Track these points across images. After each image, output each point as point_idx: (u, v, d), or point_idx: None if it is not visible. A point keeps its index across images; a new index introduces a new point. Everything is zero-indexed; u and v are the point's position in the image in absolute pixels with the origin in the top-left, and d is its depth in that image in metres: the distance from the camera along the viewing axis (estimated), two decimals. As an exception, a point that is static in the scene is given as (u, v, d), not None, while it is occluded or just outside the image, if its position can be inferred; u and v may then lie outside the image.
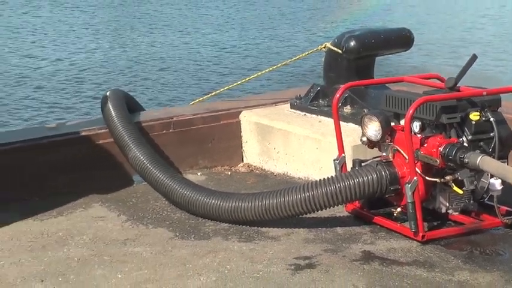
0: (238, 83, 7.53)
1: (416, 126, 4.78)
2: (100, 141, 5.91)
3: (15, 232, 5.08)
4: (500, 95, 4.94)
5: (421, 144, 4.73)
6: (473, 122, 4.73)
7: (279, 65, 7.23)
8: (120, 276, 4.42)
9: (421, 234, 4.70)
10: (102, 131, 5.92)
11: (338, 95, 5.27)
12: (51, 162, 5.72)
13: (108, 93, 6.13)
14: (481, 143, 4.77)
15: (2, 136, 5.98)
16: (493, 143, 4.77)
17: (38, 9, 31.69)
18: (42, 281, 4.39)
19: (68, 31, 25.95)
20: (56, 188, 5.66)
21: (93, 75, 18.57)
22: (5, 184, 5.56)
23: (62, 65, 20.13)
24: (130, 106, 6.17)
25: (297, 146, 6.02)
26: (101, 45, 23.33)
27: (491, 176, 4.67)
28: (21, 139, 5.84)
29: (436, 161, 4.63)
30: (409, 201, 4.66)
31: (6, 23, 27.60)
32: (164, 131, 6.16)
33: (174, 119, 6.27)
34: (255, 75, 7.38)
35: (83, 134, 5.93)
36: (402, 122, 4.79)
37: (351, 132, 5.38)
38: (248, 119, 6.40)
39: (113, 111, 5.88)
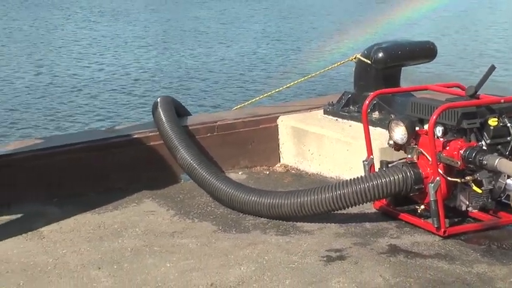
0: (276, 90, 7.53)
1: (439, 130, 4.76)
2: (151, 143, 5.93)
3: (76, 224, 5.12)
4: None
5: (444, 147, 4.71)
6: (492, 127, 4.69)
7: (313, 74, 7.24)
8: (168, 265, 4.44)
9: (442, 229, 4.67)
10: (153, 133, 5.94)
11: (367, 102, 5.25)
12: (108, 161, 5.76)
13: (158, 100, 6.15)
14: (499, 147, 4.74)
15: (66, 138, 6.04)
16: (509, 147, 4.75)
17: (96, 24, 31.88)
18: (99, 268, 4.42)
19: (122, 44, 26.07)
20: (112, 184, 5.69)
21: (145, 84, 18.64)
22: (69, 180, 5.61)
23: (117, 75, 20.23)
24: (178, 111, 6.19)
25: (329, 148, 6.01)
26: (151, 57, 23.42)
27: (508, 177, 4.61)
28: (83, 140, 5.89)
29: (457, 162, 4.61)
30: (432, 199, 4.64)
31: (70, 36, 27.79)
32: (209, 134, 6.17)
33: (218, 123, 6.27)
34: (292, 83, 7.36)
35: (136, 136, 5.96)
36: (426, 127, 4.75)
37: (379, 136, 5.35)
38: (285, 123, 6.40)
39: (162, 116, 5.91)
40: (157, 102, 6.10)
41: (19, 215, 5.25)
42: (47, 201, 5.47)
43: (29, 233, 4.96)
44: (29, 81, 19.33)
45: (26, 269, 4.42)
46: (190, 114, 6.52)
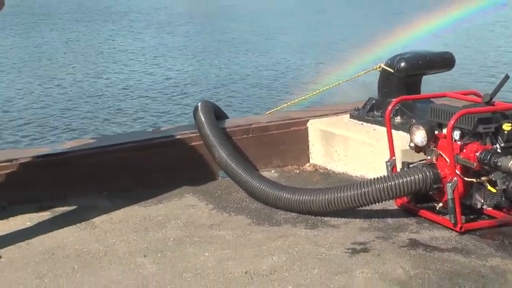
0: (307, 96, 7.52)
1: (456, 134, 4.72)
2: (192, 143, 5.95)
3: (124, 216, 5.16)
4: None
5: (461, 150, 4.67)
6: (506, 132, 4.65)
7: (341, 81, 7.22)
8: (207, 254, 4.46)
9: (459, 225, 4.64)
10: (194, 135, 5.96)
11: (390, 108, 5.24)
12: (153, 160, 5.79)
13: (199, 104, 6.17)
14: (512, 149, 4.70)
15: (116, 138, 6.08)
16: (522, 149, 4.70)
17: (143, 35, 32.02)
18: (145, 256, 4.45)
19: (166, 53, 26.20)
20: (156, 180, 5.72)
21: (186, 89, 18.73)
22: (118, 176, 5.66)
23: (161, 81, 20.34)
24: (217, 114, 6.20)
25: (355, 149, 5.99)
26: (192, 65, 23.50)
27: (521, 177, 4.60)
28: (131, 140, 5.93)
29: (473, 164, 4.57)
30: (449, 197, 4.61)
31: (119, 46, 27.96)
32: (244, 136, 6.18)
33: (253, 125, 6.28)
34: (321, 90, 7.35)
35: (179, 137, 5.99)
36: (444, 131, 4.72)
37: (401, 138, 5.33)
38: (314, 126, 6.39)
39: (203, 119, 5.92)
40: (198, 106, 6.12)
41: (74, 207, 5.30)
42: (99, 195, 5.52)
43: (83, 223, 5.01)
44: (83, 87, 19.49)
45: (80, 255, 4.47)
46: (228, 118, 6.52)
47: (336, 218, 4.99)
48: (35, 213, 5.16)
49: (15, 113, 16.31)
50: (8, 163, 5.32)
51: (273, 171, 6.19)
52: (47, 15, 40.22)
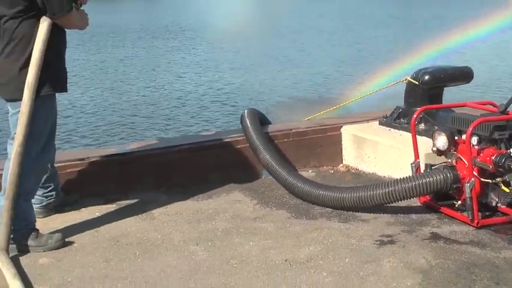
0: (341, 105, 7.48)
1: (474, 140, 4.67)
2: (239, 146, 5.97)
3: (179, 209, 5.19)
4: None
5: (478, 154, 4.63)
6: (519, 138, 4.61)
7: (371, 92, 7.19)
8: (251, 243, 4.47)
9: (476, 221, 4.60)
10: (241, 138, 5.98)
11: (415, 116, 5.22)
12: (205, 159, 5.81)
13: (245, 111, 6.19)
14: (524, 154, 4.63)
15: (174, 140, 6.11)
16: (533, 154, 4.63)
17: (196, 50, 32.23)
18: (197, 244, 4.48)
19: (217, 66, 26.36)
20: (208, 178, 5.73)
21: (234, 98, 18.81)
22: (175, 174, 5.68)
23: (212, 90, 20.45)
24: (261, 120, 6.21)
25: (383, 152, 5.95)
26: (240, 76, 23.58)
27: (532, 179, 4.53)
28: (187, 142, 5.96)
29: (489, 166, 4.53)
30: (467, 196, 4.57)
31: (176, 59, 28.19)
32: (285, 139, 6.17)
33: (293, 130, 6.28)
34: (354, 99, 7.32)
35: (228, 140, 6.01)
36: (464, 137, 4.68)
37: (424, 143, 5.27)
38: (347, 132, 6.36)
39: (249, 124, 5.94)
40: (245, 113, 6.15)
41: (136, 200, 5.35)
42: (158, 190, 5.55)
43: (143, 214, 5.06)
44: (145, 96, 19.68)
45: (140, 242, 4.52)
46: (271, 123, 6.52)
47: (366, 213, 4.97)
48: (103, 205, 5.22)
49: (86, 118, 16.53)
50: (80, 161, 5.38)
51: (310, 171, 6.17)
52: (115, 33, 40.68)
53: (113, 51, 32.33)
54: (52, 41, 4.30)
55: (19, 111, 4.27)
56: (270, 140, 5.98)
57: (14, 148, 4.28)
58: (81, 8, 4.62)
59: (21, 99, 4.25)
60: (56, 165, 4.98)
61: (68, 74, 4.64)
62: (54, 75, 4.41)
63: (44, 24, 4.26)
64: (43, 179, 4.72)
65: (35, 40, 4.25)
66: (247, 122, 5.97)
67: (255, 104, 17.18)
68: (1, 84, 4.38)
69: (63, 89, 4.57)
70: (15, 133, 4.30)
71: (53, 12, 4.26)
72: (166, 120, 16.32)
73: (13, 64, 4.29)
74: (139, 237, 4.61)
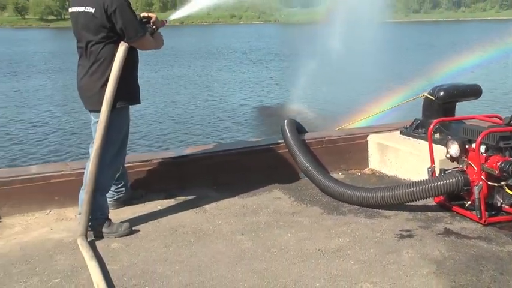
0: (368, 116, 7.48)
1: (482, 148, 4.62)
2: (279, 151, 5.97)
3: (228, 204, 5.22)
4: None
5: (486, 160, 4.58)
6: (521, 147, 4.55)
7: (394, 106, 7.16)
8: (289, 234, 4.48)
9: (483, 219, 4.55)
10: (281, 144, 5.98)
11: (431, 127, 5.18)
12: (251, 162, 5.81)
13: (285, 121, 6.20)
14: (526, 161, 4.56)
15: (224, 145, 6.15)
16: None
17: (240, 69, 32.42)
18: (243, 234, 4.50)
19: (259, 82, 26.49)
20: (253, 178, 5.73)
21: (276, 109, 18.89)
22: (224, 174, 5.70)
23: (256, 102, 20.54)
24: (298, 129, 6.21)
25: (403, 158, 5.91)
26: (280, 91, 23.63)
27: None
28: (235, 147, 5.99)
29: (495, 171, 4.48)
30: (476, 197, 4.53)
31: (223, 77, 28.41)
32: (319, 146, 6.16)
33: (325, 138, 6.26)
34: (378, 112, 7.31)
35: (270, 146, 6.01)
36: (473, 145, 4.63)
37: (439, 150, 5.22)
38: (372, 140, 6.33)
39: (288, 132, 5.95)
40: (285, 122, 6.15)
41: (191, 197, 5.38)
42: (209, 188, 5.57)
43: (197, 208, 5.10)
44: (198, 107, 19.84)
45: (195, 232, 4.56)
46: (307, 132, 6.52)
47: (388, 211, 4.94)
48: (164, 200, 5.27)
49: (151, 126, 16.75)
50: (146, 162, 5.45)
51: (340, 174, 6.15)
52: (176, 54, 41.07)
53: (173, 69, 32.67)
54: (127, 61, 4.40)
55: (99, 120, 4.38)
56: (306, 146, 5.97)
57: (93, 151, 4.38)
58: (158, 30, 4.70)
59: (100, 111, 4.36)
60: (125, 165, 5.06)
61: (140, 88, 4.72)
62: (128, 90, 4.50)
63: (122, 48, 4.36)
64: (116, 177, 4.81)
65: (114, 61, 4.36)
66: (287, 130, 5.98)
67: (293, 114, 17.24)
68: (87, 97, 4.51)
69: (136, 101, 4.65)
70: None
71: (129, 37, 4.36)
72: (216, 128, 16.45)
73: (96, 81, 4.41)
74: (194, 227, 4.65)
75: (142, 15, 4.68)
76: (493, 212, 4.71)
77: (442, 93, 6.03)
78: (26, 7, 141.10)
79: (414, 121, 6.33)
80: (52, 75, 31.60)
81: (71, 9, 4.49)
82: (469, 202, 4.72)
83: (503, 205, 4.64)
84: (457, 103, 6.25)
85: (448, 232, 4.48)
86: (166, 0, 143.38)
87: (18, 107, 20.81)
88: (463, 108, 6.75)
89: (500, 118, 5.00)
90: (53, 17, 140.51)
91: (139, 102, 4.67)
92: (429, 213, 4.88)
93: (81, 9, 4.36)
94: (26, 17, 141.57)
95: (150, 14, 4.69)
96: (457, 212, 4.84)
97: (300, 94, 22.38)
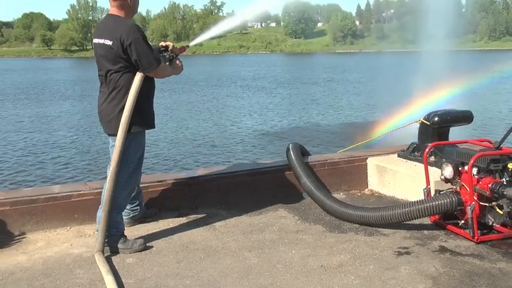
0: (367, 140, 7.45)
1: (474, 170, 4.59)
2: (284, 173, 5.93)
3: (236, 222, 5.19)
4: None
5: (477, 182, 4.54)
6: (510, 169, 4.50)
7: (391, 130, 7.15)
8: (293, 251, 4.44)
9: (476, 237, 4.50)
10: (286, 166, 5.95)
11: (427, 150, 5.14)
12: (258, 182, 5.80)
13: (290, 145, 6.18)
14: (515, 183, 4.53)
15: (234, 166, 6.10)
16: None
17: (246, 95, 32.52)
18: (250, 251, 4.46)
19: (264, 108, 26.51)
20: (260, 198, 5.71)
21: (281, 134, 18.88)
22: (233, 193, 5.67)
23: (262, 126, 20.54)
24: (302, 152, 6.19)
25: (400, 179, 5.87)
26: (284, 116, 23.62)
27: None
28: (244, 169, 5.94)
29: (487, 192, 4.45)
30: (469, 216, 4.49)
31: (231, 103, 28.50)
32: (321, 168, 6.14)
33: (328, 160, 6.24)
34: (377, 136, 7.30)
35: (275, 168, 5.98)
36: (466, 168, 4.60)
37: (434, 172, 5.19)
38: (372, 162, 6.30)
39: (292, 155, 5.93)
40: (289, 146, 6.13)
41: (202, 215, 5.35)
42: (219, 207, 5.55)
43: (207, 226, 5.07)
44: (208, 131, 19.87)
45: (205, 248, 4.53)
46: (310, 154, 6.51)
47: (386, 229, 4.89)
48: (176, 218, 5.25)
49: (163, 148, 16.77)
50: (159, 183, 5.43)
51: (341, 194, 6.12)
52: (187, 82, 41.29)
53: (185, 96, 32.81)
54: (143, 89, 4.42)
55: None
56: (309, 168, 5.95)
57: (109, 172, 4.38)
58: (177, 57, 4.72)
59: None
60: (140, 185, 5.06)
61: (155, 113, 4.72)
62: (143, 116, 4.50)
63: (138, 77, 4.39)
64: (131, 197, 4.80)
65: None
66: (292, 153, 5.95)
67: (297, 138, 17.27)
68: (106, 122, 4.53)
69: (151, 126, 4.64)
70: None
71: (143, 68, 4.38)
72: (226, 150, 16.47)
73: (114, 107, 4.43)
74: (204, 244, 4.62)
75: (160, 44, 4.71)
76: (485, 231, 4.67)
77: (436, 119, 6.01)
78: (52, 39, 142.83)
79: (411, 145, 6.31)
80: (73, 102, 31.82)
81: (93, 40, 4.53)
82: (463, 221, 4.68)
83: (494, 224, 4.60)
84: (451, 128, 6.23)
85: (443, 249, 4.43)
86: (180, 31, 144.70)
87: (43, 131, 20.93)
88: (456, 133, 6.73)
89: (490, 142, 4.98)
90: (76, 48, 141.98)
91: (154, 127, 4.67)
92: (425, 232, 4.84)
93: (101, 41, 4.40)
94: (52, 47, 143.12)
95: (167, 43, 4.73)
96: (451, 231, 4.79)
97: (304, 119, 22.42)
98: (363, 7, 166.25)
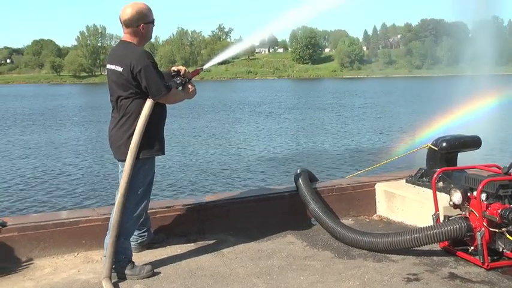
0: (375, 166, 7.44)
1: (483, 196, 4.57)
2: (292, 198, 5.90)
3: (243, 248, 5.17)
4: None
5: (487, 208, 4.52)
6: (519, 195, 4.51)
7: (401, 155, 7.15)
8: (302, 278, 4.41)
9: (486, 264, 4.46)
10: (294, 192, 5.93)
11: (435, 176, 5.13)
12: (265, 208, 5.78)
13: (297, 170, 6.18)
14: (525, 209, 4.50)
15: (242, 193, 6.11)
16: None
17: (252, 121, 32.57)
18: (258, 277, 4.44)
19: (272, 133, 26.49)
20: (268, 223, 5.69)
21: (289, 159, 18.86)
22: (241, 219, 5.65)
23: (270, 153, 20.53)
24: (310, 178, 6.18)
25: (409, 205, 5.85)
26: (293, 142, 23.62)
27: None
28: (252, 195, 5.94)
29: (496, 218, 4.42)
30: (479, 242, 4.46)
31: (237, 129, 28.55)
32: (329, 194, 6.12)
33: (336, 186, 6.23)
34: (385, 162, 7.28)
35: (283, 193, 5.97)
36: (475, 193, 4.59)
37: (443, 198, 5.17)
38: (380, 188, 6.29)
39: (300, 181, 5.92)
40: (297, 171, 6.13)
41: (209, 241, 5.33)
42: (227, 233, 5.53)
43: (215, 252, 5.05)
44: (215, 157, 19.88)
45: (212, 275, 4.50)
46: (318, 180, 6.50)
47: (396, 255, 4.86)
48: (184, 244, 5.24)
49: (171, 174, 16.79)
50: (167, 209, 5.43)
51: (349, 220, 6.09)
52: (195, 108, 41.47)
53: (193, 121, 32.94)
54: (153, 115, 4.44)
55: None
56: (317, 194, 5.94)
57: (117, 198, 4.40)
58: (190, 81, 4.74)
59: None
60: (148, 210, 5.05)
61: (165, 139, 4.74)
62: (152, 142, 4.52)
63: (148, 103, 4.42)
64: (139, 223, 4.80)
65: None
66: (300, 179, 5.95)
67: (305, 163, 17.26)
68: (116, 147, 4.55)
69: (160, 153, 4.64)
70: None
71: (153, 95, 4.42)
72: (233, 176, 16.46)
73: (124, 133, 4.46)
74: (212, 270, 4.60)
75: (172, 69, 4.75)
76: (495, 257, 4.62)
77: (444, 144, 6.01)
78: (62, 65, 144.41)
79: (419, 170, 6.29)
80: (82, 127, 32.01)
81: (106, 66, 4.58)
82: (472, 247, 4.64)
83: (504, 250, 4.56)
84: (459, 153, 6.22)
85: (452, 276, 4.39)
86: (188, 57, 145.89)
87: (51, 156, 21.03)
88: (465, 158, 6.72)
89: (499, 167, 4.96)
90: (85, 74, 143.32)
91: (164, 154, 4.68)
92: (435, 258, 4.80)
93: (113, 67, 4.45)
94: (61, 73, 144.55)
95: (179, 67, 4.76)
96: (461, 257, 4.75)
97: (312, 144, 22.42)
98: (370, 32, 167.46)
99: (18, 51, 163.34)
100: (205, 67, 5.28)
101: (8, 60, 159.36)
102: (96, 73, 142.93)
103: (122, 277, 4.43)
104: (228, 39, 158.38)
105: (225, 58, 5.44)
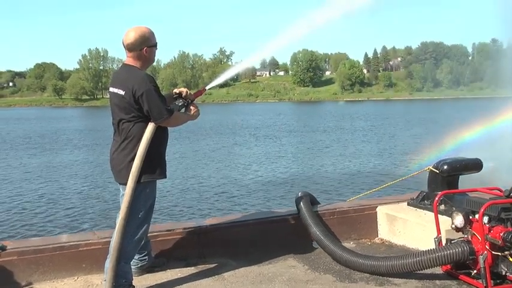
0: (377, 189, 7.40)
1: (485, 219, 4.55)
2: (293, 222, 5.90)
3: (244, 272, 5.14)
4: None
5: (489, 231, 4.50)
6: (522, 218, 4.49)
7: (402, 178, 7.13)
8: (303, 302, 4.38)
9: (489, 287, 4.42)
10: (295, 215, 5.92)
11: (437, 199, 5.13)
12: (266, 232, 5.75)
13: (299, 193, 6.16)
14: (528, 232, 4.47)
15: (243, 216, 6.08)
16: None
17: (254, 144, 32.59)
18: (259, 302, 4.40)
19: (273, 156, 26.47)
20: (270, 247, 5.65)
21: (289, 182, 18.84)
22: (242, 243, 5.61)
23: (270, 176, 20.50)
24: (311, 201, 6.16)
25: (411, 228, 5.83)
26: (293, 165, 23.60)
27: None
28: (253, 218, 5.93)
29: (499, 241, 4.40)
30: (481, 266, 4.43)
31: (237, 151, 28.55)
32: (331, 217, 6.11)
33: (337, 209, 6.21)
34: (386, 185, 7.23)
35: (284, 217, 5.96)
36: (477, 216, 4.57)
37: (445, 221, 5.15)
38: (381, 211, 6.27)
39: (301, 204, 5.90)
40: (298, 195, 6.12)
41: (210, 265, 5.30)
42: (228, 256, 5.49)
43: (216, 276, 5.02)
44: (216, 180, 19.84)
45: (213, 299, 4.47)
46: (319, 203, 6.48)
47: (398, 279, 4.83)
48: (184, 268, 5.21)
49: (171, 198, 16.75)
50: (167, 232, 5.41)
51: (351, 243, 6.07)
52: (196, 131, 41.54)
53: (194, 144, 32.96)
54: (155, 139, 4.45)
55: None
56: (318, 217, 5.91)
57: (118, 222, 4.38)
58: (193, 102, 4.75)
59: None
60: (149, 234, 5.03)
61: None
62: (154, 165, 4.52)
63: (150, 127, 4.43)
64: (139, 247, 4.77)
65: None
66: (301, 202, 5.93)
67: (306, 187, 17.23)
68: (117, 171, 4.55)
69: (162, 176, 4.62)
70: None
71: (155, 118, 4.43)
72: (234, 199, 16.43)
73: (125, 157, 4.46)
74: (213, 294, 4.57)
75: (174, 91, 4.76)
76: (498, 281, 4.58)
77: (445, 167, 6.01)
78: (64, 88, 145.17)
79: (420, 193, 6.29)
80: (83, 151, 32.03)
81: (109, 89, 4.60)
82: (475, 271, 4.61)
83: (507, 274, 4.52)
84: (460, 176, 6.21)
85: (455, 300, 4.36)
86: (189, 80, 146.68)
87: (51, 180, 21.01)
88: (466, 181, 6.71)
89: (500, 190, 4.95)
90: (86, 97, 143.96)
91: (165, 177, 4.67)
92: (437, 282, 4.77)
93: (115, 90, 4.47)
94: (63, 97, 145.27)
95: (181, 89, 4.77)
96: (463, 281, 4.72)
97: (313, 167, 22.39)
98: (370, 55, 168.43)
99: (20, 75, 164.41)
100: (208, 87, 5.28)
101: (11, 84, 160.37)
102: (98, 96, 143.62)
103: (122, 301, 4.40)
104: (229, 62, 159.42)
105: (228, 78, 5.46)
